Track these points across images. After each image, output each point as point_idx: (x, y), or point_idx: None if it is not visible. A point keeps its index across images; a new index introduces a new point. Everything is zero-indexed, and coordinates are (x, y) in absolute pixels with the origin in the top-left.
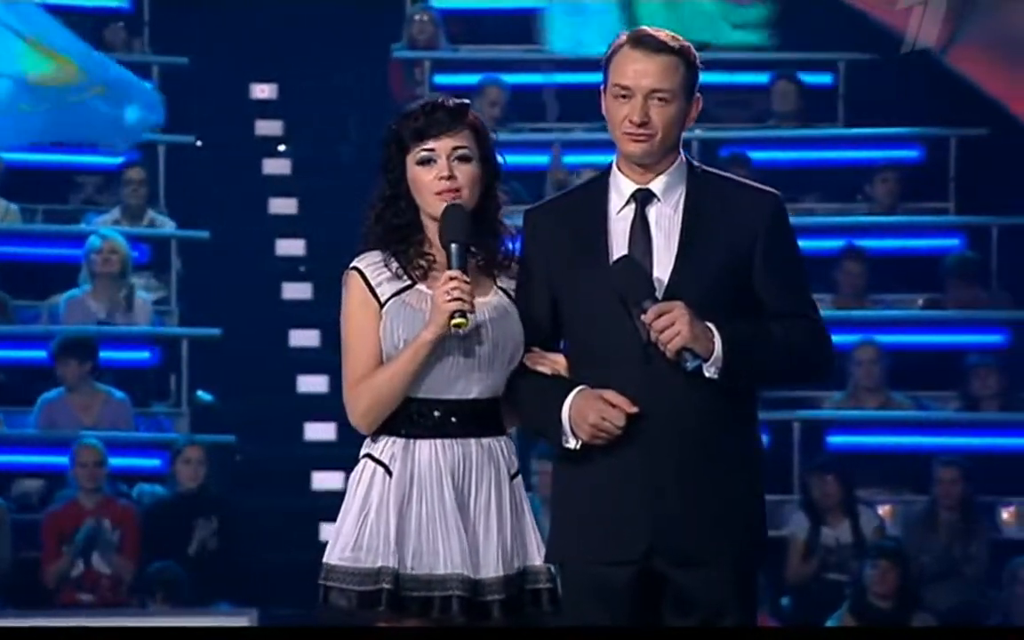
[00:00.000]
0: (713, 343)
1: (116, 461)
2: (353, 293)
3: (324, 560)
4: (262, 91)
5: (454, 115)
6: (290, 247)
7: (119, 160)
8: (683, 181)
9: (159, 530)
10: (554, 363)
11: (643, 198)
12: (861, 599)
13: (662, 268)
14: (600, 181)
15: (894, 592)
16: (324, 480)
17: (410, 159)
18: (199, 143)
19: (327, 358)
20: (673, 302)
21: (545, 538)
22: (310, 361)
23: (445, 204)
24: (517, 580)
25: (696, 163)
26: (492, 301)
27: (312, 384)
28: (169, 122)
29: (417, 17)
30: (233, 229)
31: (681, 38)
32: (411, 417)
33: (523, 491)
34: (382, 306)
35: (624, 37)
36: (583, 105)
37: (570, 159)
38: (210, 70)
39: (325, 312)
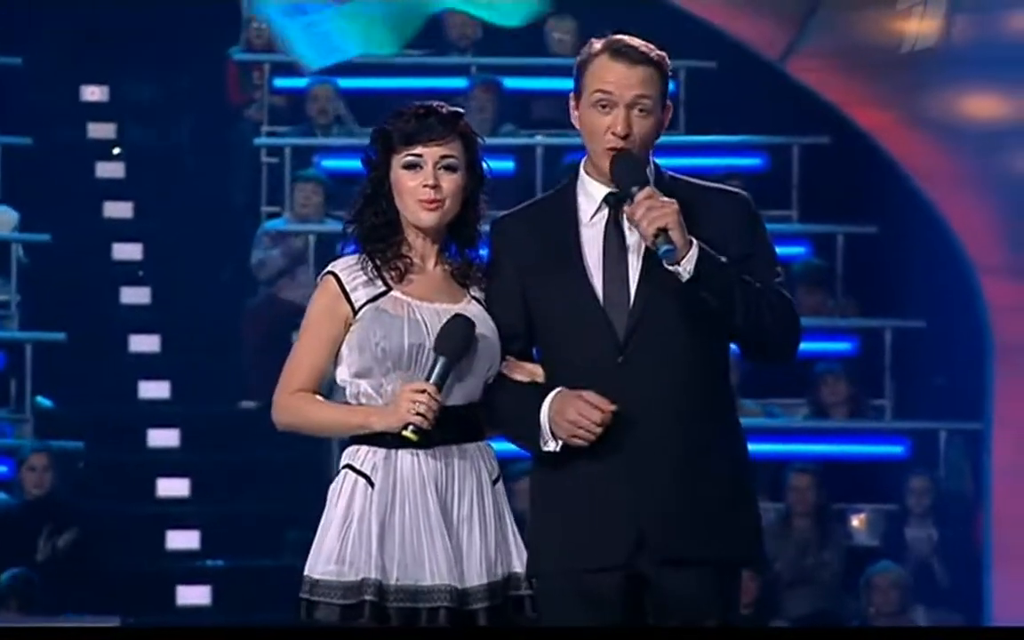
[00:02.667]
0: (691, 244)
1: None
2: (321, 299)
3: (306, 574)
4: (92, 93)
5: (446, 123)
6: (127, 251)
7: None
8: (653, 186)
9: (7, 538)
10: (532, 373)
11: (615, 202)
12: None
13: (635, 272)
14: (567, 189)
15: (753, 601)
16: (169, 487)
17: (396, 160)
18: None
19: (168, 363)
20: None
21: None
22: (151, 366)
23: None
24: (501, 587)
25: (664, 168)
26: (470, 310)
27: (154, 390)
28: (3, 123)
29: (254, 21)
30: (70, 232)
31: (654, 46)
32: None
33: (504, 497)
34: (356, 311)
35: (600, 45)
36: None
37: None
38: (42, 71)
39: (165, 316)
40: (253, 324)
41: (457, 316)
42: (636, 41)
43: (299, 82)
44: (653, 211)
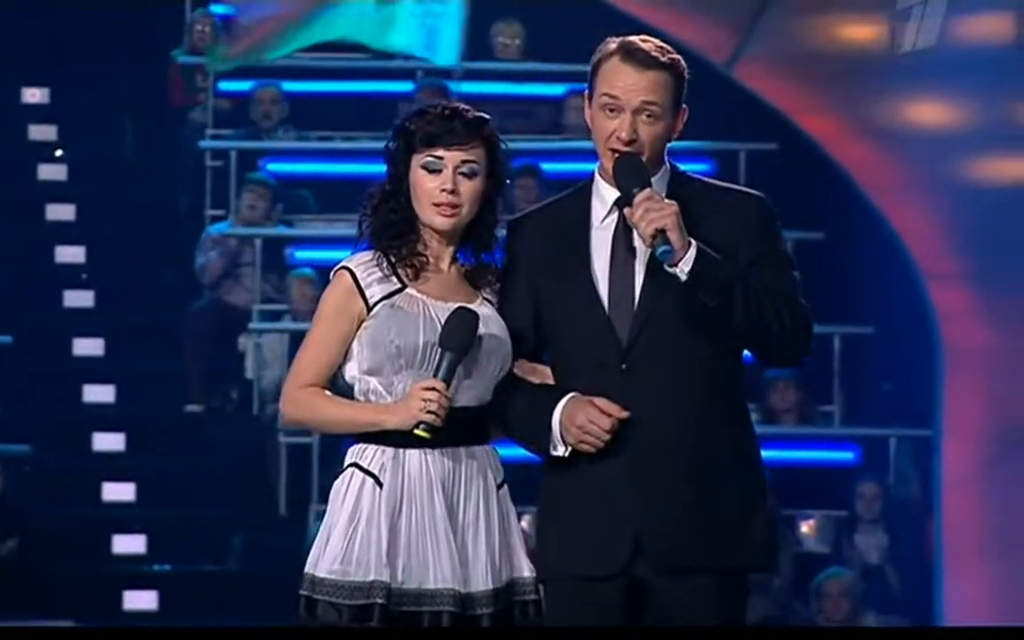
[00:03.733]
0: (690, 245)
1: None
2: (335, 294)
3: (308, 572)
4: (33, 95)
5: (470, 128)
6: (70, 254)
7: None
8: (666, 188)
9: None
10: (543, 375)
11: (624, 205)
12: None
13: (641, 277)
14: (584, 190)
15: None
16: (114, 491)
17: (416, 160)
18: None
19: (113, 366)
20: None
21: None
22: (95, 370)
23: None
24: (505, 592)
25: (681, 169)
26: (481, 311)
27: (98, 394)
28: None
29: (198, 24)
30: (11, 236)
31: (671, 49)
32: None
33: (509, 501)
34: (370, 308)
35: (613, 46)
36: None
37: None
38: None
39: (109, 319)
40: (198, 328)
41: (459, 309)
42: (649, 44)
43: (243, 85)
44: (651, 212)
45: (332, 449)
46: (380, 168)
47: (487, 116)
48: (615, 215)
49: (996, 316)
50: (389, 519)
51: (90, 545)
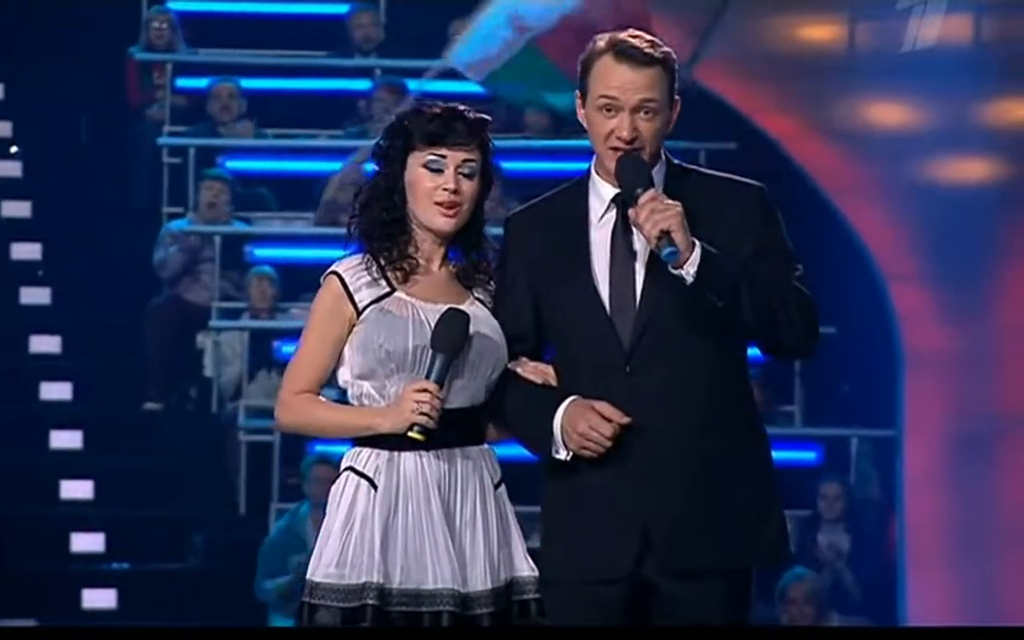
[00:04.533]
0: (694, 245)
1: None
2: (325, 300)
3: (307, 577)
4: None
5: (472, 129)
6: (25, 251)
7: None
8: (663, 181)
9: None
10: (544, 373)
11: (624, 203)
12: None
13: (642, 277)
14: (580, 186)
15: None
16: (72, 489)
17: (414, 159)
18: None
19: (70, 364)
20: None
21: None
22: (52, 367)
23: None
24: (505, 592)
25: (676, 161)
26: (472, 311)
27: (55, 391)
28: None
29: (155, 21)
30: None
31: (661, 42)
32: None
33: (507, 500)
34: (360, 312)
35: (604, 44)
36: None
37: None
38: None
39: (66, 317)
40: (157, 325)
41: (450, 310)
42: (640, 39)
43: (201, 82)
44: (656, 213)
45: (294, 447)
46: (337, 165)
47: (488, 117)
48: (613, 213)
49: (956, 316)
50: (383, 521)
51: (48, 543)
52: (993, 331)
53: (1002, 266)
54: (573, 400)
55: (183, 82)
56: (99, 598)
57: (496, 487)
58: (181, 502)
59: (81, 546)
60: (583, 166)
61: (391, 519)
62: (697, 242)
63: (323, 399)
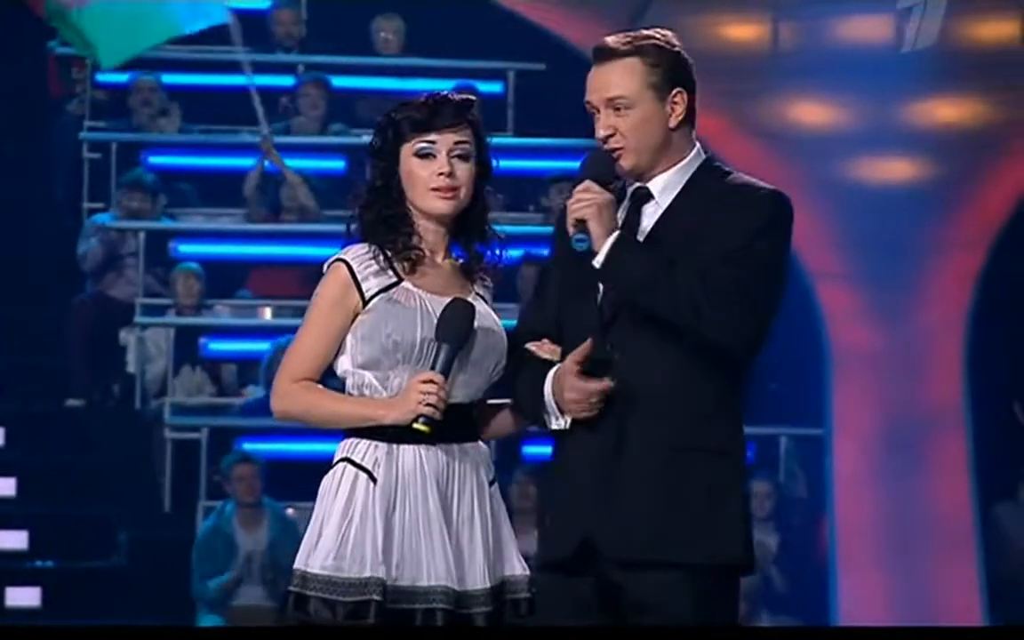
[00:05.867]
0: (610, 238)
1: None
2: (331, 287)
3: (298, 568)
4: None
5: (459, 110)
6: None
7: None
8: (685, 179)
9: None
10: (553, 352)
11: (639, 198)
12: None
13: None
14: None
15: None
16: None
17: (406, 150)
18: None
19: None
20: (603, 190)
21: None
22: None
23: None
24: (500, 590)
25: (716, 163)
26: (477, 307)
27: None
28: None
29: None
30: None
31: (650, 35)
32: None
33: (500, 499)
34: (367, 301)
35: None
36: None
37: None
38: None
39: None
40: (80, 321)
41: (456, 300)
42: (614, 37)
43: (121, 77)
44: (578, 203)
45: (221, 444)
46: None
47: (473, 98)
48: (627, 206)
49: (882, 315)
50: (384, 515)
51: None
52: (919, 329)
53: (928, 265)
54: (556, 369)
55: (103, 77)
56: (23, 596)
57: (490, 484)
58: (105, 499)
59: (4, 544)
60: None
61: (390, 514)
62: (615, 236)
63: (323, 388)
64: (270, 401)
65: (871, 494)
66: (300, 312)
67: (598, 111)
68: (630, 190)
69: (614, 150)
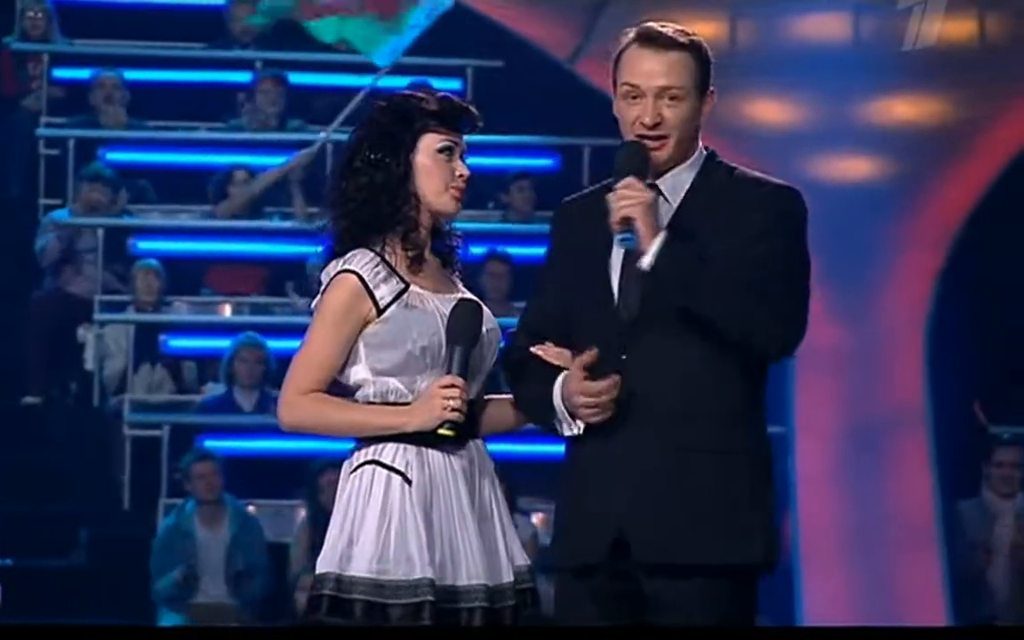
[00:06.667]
0: (658, 237)
1: None
2: (340, 298)
3: (331, 572)
4: None
5: (473, 121)
6: None
7: None
8: (693, 176)
9: None
10: (559, 355)
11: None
12: None
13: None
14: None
15: None
16: None
17: (428, 141)
18: None
19: None
20: (646, 188)
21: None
22: None
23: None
24: (516, 583)
25: (718, 159)
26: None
27: None
28: None
29: (30, 11)
30: None
31: (692, 32)
32: None
33: (501, 491)
34: (381, 310)
35: (632, 34)
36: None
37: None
38: None
39: None
40: (37, 318)
41: (464, 301)
42: (667, 27)
43: (80, 73)
44: (623, 200)
45: (182, 442)
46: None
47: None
48: None
49: (844, 314)
50: (425, 516)
51: None
52: (881, 328)
53: (889, 263)
54: (564, 375)
55: (60, 73)
56: None
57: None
58: (64, 497)
59: None
60: None
61: (429, 513)
62: (662, 235)
63: (334, 398)
64: (278, 413)
65: (833, 493)
66: (259, 309)
67: (643, 96)
68: None
69: (656, 137)
